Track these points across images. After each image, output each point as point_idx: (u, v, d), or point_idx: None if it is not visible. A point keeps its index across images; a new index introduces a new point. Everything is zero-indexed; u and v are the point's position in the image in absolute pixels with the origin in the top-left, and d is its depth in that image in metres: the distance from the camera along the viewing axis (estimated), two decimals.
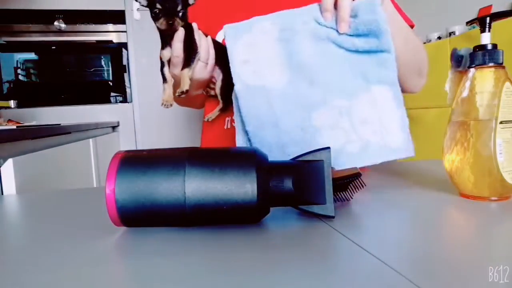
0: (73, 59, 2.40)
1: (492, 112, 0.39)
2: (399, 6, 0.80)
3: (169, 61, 0.67)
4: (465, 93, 0.41)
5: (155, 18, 0.62)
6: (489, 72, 0.40)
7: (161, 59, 0.68)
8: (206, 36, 0.67)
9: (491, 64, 0.40)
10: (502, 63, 0.40)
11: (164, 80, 0.69)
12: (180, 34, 0.63)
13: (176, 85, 0.70)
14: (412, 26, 0.79)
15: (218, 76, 0.69)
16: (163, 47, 0.66)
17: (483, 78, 0.40)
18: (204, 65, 0.67)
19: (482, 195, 0.40)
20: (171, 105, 0.69)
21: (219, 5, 0.83)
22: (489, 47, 0.40)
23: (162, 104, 0.68)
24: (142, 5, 0.63)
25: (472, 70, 0.41)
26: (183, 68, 0.65)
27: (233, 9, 0.82)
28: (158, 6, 0.61)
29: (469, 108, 0.40)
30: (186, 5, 0.63)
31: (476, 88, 0.40)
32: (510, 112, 0.39)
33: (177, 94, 0.65)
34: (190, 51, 0.65)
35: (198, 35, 0.66)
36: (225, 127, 0.83)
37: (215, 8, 0.82)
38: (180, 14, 0.62)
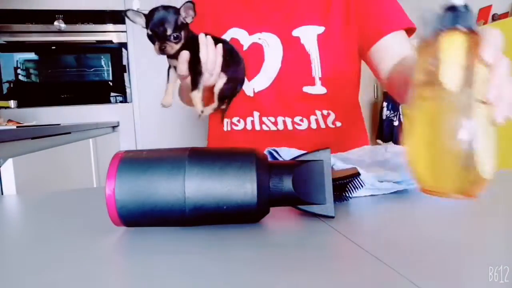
0: (73, 59, 2.40)
1: (466, 87, 0.30)
2: (402, 8, 0.80)
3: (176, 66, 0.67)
4: (430, 64, 0.32)
5: (151, 41, 0.63)
6: (460, 39, 0.31)
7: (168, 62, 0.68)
8: (216, 40, 0.66)
9: (463, 29, 0.31)
10: (475, 30, 0.32)
11: (168, 80, 0.69)
12: (184, 56, 0.62)
13: (183, 87, 0.71)
14: (414, 29, 0.78)
15: (220, 79, 0.69)
16: (169, 57, 0.66)
17: (453, 46, 0.31)
18: (210, 75, 0.66)
19: (443, 190, 0.32)
20: (170, 105, 0.69)
21: (228, 4, 0.82)
22: (461, 8, 0.32)
23: (162, 104, 0.68)
24: (143, 27, 0.63)
25: (440, 36, 0.32)
26: (192, 90, 0.65)
27: (241, 9, 0.81)
28: (149, 32, 0.62)
29: (435, 82, 0.32)
30: (180, 27, 0.62)
31: (444, 58, 0.32)
32: (486, 88, 0.31)
33: (198, 117, 0.68)
34: (196, 72, 0.64)
35: (205, 47, 0.65)
36: (225, 129, 0.83)
37: (224, 7, 0.82)
38: (173, 37, 0.62)
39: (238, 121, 0.80)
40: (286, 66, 0.77)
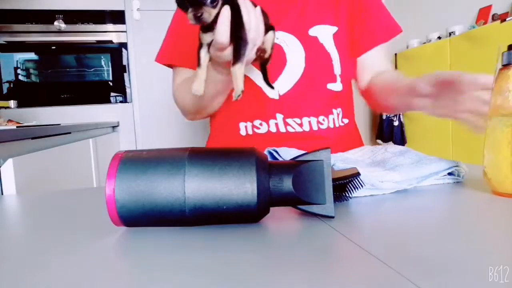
0: (73, 59, 2.40)
1: None
2: (388, 11, 0.82)
3: (209, 43, 0.57)
4: (503, 91, 0.41)
5: (183, 9, 0.51)
6: None
7: (199, 39, 0.58)
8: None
9: None
10: None
11: (199, 64, 0.57)
12: (225, 15, 0.50)
13: (216, 64, 0.59)
14: (400, 31, 0.81)
15: (269, 37, 0.60)
16: (203, 31, 0.55)
17: None
18: (252, 46, 0.55)
19: None
20: (201, 93, 0.58)
21: None
22: None
23: (193, 92, 0.58)
24: None
25: (508, 68, 0.41)
26: (233, 63, 0.53)
27: None
28: None
29: (507, 105, 0.41)
30: None
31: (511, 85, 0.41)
32: None
33: (234, 99, 0.55)
34: (239, 39, 0.52)
35: (247, 10, 0.53)
36: (242, 133, 0.78)
37: None
38: (210, 0, 0.50)
39: (261, 124, 0.77)
40: (310, 65, 0.76)
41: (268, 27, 0.60)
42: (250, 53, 0.55)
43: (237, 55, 0.52)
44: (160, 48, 0.86)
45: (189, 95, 0.69)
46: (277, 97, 0.76)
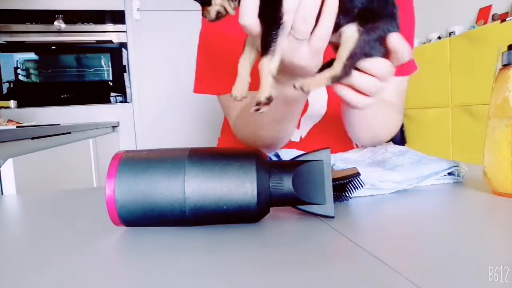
0: (73, 59, 2.40)
1: None
2: (413, 40, 0.78)
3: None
4: (503, 91, 0.41)
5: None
6: None
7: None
8: None
9: None
10: None
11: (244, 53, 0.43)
12: None
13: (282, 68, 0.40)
14: (414, 70, 0.78)
15: (347, 35, 0.38)
16: None
17: None
18: (302, 34, 0.36)
19: None
20: (244, 97, 0.41)
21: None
22: None
23: (232, 96, 0.41)
24: None
25: (507, 68, 0.41)
26: (262, 55, 0.37)
27: None
28: None
29: (507, 106, 0.41)
30: None
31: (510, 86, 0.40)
32: None
33: (251, 110, 0.38)
34: (271, 22, 0.36)
35: None
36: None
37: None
38: None
39: None
40: (332, 109, 0.74)
41: (362, 16, 0.37)
42: (297, 46, 0.37)
43: (265, 45, 0.36)
44: (196, 75, 0.75)
45: (252, 126, 0.61)
46: (298, 140, 0.75)
